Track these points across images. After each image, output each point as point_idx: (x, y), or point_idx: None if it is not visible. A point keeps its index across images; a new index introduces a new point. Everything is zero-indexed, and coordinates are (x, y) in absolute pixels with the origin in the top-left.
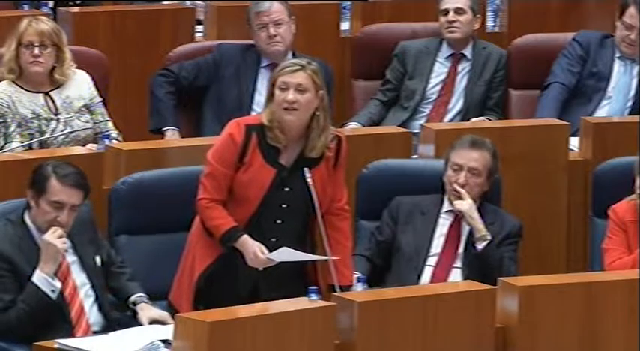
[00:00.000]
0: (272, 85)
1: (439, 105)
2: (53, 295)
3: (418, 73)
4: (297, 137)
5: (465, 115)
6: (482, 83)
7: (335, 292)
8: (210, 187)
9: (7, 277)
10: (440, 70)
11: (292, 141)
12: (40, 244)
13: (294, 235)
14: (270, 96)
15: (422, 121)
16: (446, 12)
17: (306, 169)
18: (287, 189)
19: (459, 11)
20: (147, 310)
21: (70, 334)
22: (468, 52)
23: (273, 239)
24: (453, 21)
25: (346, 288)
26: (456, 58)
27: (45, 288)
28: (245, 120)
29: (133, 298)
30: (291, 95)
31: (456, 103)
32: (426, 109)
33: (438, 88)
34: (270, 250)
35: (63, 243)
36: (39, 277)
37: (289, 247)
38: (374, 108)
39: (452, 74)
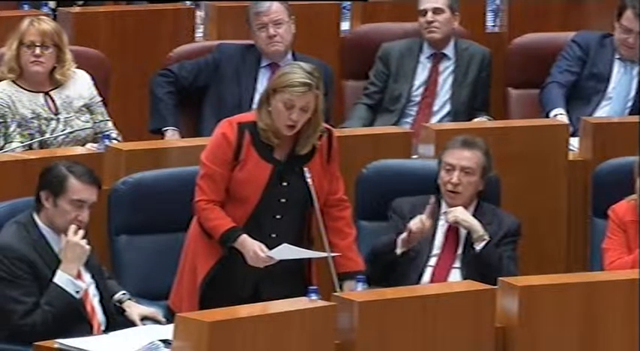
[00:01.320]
0: (273, 91)
1: (424, 107)
2: (78, 296)
3: (402, 75)
4: (290, 137)
5: (454, 117)
6: (468, 84)
7: (347, 279)
8: (206, 188)
9: (30, 280)
10: (422, 71)
11: (284, 140)
12: (63, 246)
13: (294, 230)
14: (266, 99)
15: (408, 124)
16: (424, 12)
17: (306, 168)
18: (285, 183)
19: (437, 11)
20: (135, 308)
21: (88, 331)
22: (449, 51)
23: (274, 235)
24: (432, 21)
25: (358, 273)
26: (437, 57)
27: (69, 289)
28: (236, 118)
29: (117, 296)
30: (295, 116)
31: (444, 105)
32: (412, 112)
33: (422, 89)
34: (271, 247)
35: (87, 243)
36: (62, 279)
37: (289, 242)
38: (363, 112)
39: (434, 74)
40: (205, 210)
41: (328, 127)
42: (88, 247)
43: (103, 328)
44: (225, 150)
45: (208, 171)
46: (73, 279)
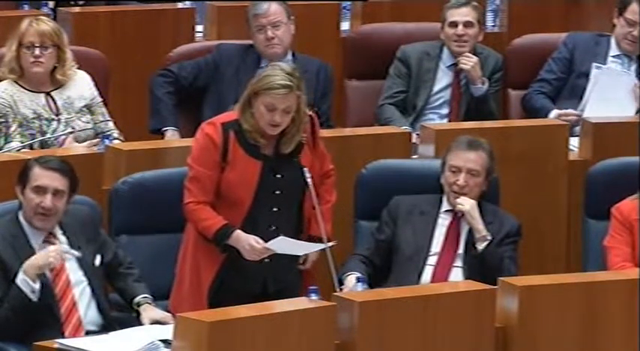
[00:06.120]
0: (254, 93)
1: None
2: (33, 297)
3: (421, 81)
4: (274, 135)
5: (464, 117)
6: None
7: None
8: (195, 189)
9: None
10: (442, 80)
11: (270, 138)
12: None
13: (292, 220)
14: (248, 101)
15: None
16: (455, 24)
17: (305, 169)
18: (278, 175)
19: (468, 25)
20: (149, 311)
21: (59, 331)
22: None
23: (273, 228)
24: (462, 34)
25: (317, 239)
26: (459, 68)
27: (25, 289)
28: (219, 119)
29: (137, 299)
30: (278, 117)
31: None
32: (431, 116)
33: (441, 100)
34: (270, 239)
35: (56, 259)
36: (20, 278)
37: (288, 234)
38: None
39: (455, 92)
40: (195, 211)
41: (310, 113)
42: (53, 260)
43: (93, 328)
44: (212, 152)
45: (196, 173)
46: (28, 280)
